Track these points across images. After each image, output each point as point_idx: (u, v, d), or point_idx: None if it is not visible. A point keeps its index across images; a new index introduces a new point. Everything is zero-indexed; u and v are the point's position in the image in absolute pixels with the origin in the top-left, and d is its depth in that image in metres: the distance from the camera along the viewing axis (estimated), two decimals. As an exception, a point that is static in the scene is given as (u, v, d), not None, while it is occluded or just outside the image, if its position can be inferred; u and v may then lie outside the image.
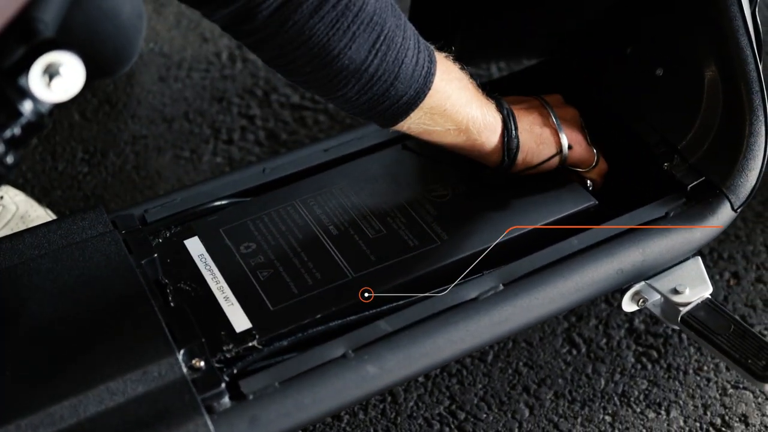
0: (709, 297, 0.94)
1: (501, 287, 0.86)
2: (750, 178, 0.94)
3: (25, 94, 0.60)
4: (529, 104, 0.97)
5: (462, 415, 1.06)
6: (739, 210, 0.95)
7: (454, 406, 1.07)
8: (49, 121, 0.63)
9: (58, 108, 0.65)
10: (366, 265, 0.89)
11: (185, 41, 1.58)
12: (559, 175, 0.97)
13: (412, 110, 0.85)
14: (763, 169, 0.94)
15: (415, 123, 0.87)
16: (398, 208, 0.95)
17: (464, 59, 0.90)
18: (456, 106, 0.87)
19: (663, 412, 1.06)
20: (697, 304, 0.93)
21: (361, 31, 0.78)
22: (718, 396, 1.07)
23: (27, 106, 0.60)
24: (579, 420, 1.05)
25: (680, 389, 1.08)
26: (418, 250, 0.91)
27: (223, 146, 1.40)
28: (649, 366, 1.10)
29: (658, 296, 0.94)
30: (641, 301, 0.95)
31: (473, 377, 1.09)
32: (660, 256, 0.92)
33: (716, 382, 1.08)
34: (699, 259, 0.96)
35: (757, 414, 1.05)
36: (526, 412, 1.06)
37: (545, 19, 1.13)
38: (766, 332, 1.13)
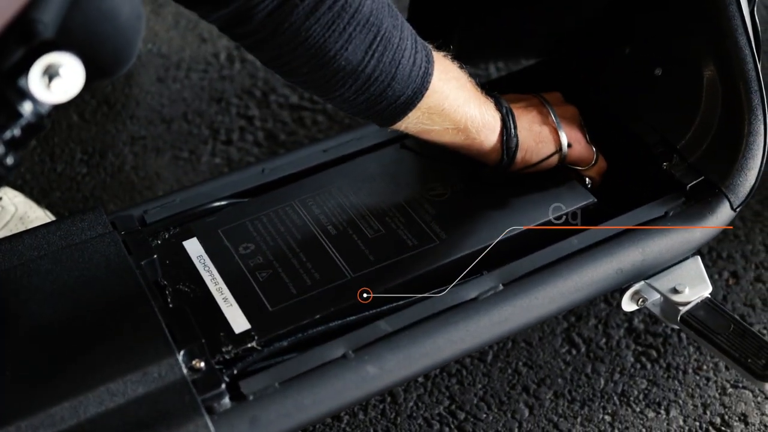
0: (709, 296, 0.94)
1: (500, 287, 0.86)
2: (749, 178, 0.94)
3: (25, 95, 0.60)
4: (528, 102, 0.97)
5: (462, 415, 1.06)
6: (738, 209, 0.95)
7: (453, 406, 1.07)
8: (48, 122, 0.63)
9: (57, 109, 0.65)
10: (365, 265, 0.89)
11: (184, 42, 1.58)
12: (558, 173, 0.97)
13: (410, 110, 0.84)
14: (762, 169, 0.95)
15: (413, 122, 0.87)
16: (397, 207, 0.95)
17: (462, 59, 0.90)
18: (454, 105, 0.87)
19: (662, 412, 1.06)
20: (697, 304, 0.93)
21: (358, 32, 0.78)
22: (717, 395, 1.07)
23: (27, 108, 0.60)
24: (579, 420, 1.05)
25: (680, 389, 1.08)
26: (417, 250, 0.91)
27: (221, 147, 1.40)
28: (649, 365, 1.10)
29: (658, 296, 0.94)
30: (641, 300, 0.95)
31: (473, 377, 1.09)
32: (659, 256, 0.92)
33: (716, 382, 1.08)
34: (698, 258, 0.96)
35: (756, 413, 1.05)
36: (526, 412, 1.06)
37: (544, 18, 1.13)
38: (765, 331, 1.13)
